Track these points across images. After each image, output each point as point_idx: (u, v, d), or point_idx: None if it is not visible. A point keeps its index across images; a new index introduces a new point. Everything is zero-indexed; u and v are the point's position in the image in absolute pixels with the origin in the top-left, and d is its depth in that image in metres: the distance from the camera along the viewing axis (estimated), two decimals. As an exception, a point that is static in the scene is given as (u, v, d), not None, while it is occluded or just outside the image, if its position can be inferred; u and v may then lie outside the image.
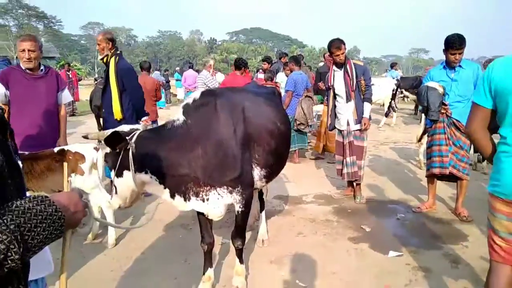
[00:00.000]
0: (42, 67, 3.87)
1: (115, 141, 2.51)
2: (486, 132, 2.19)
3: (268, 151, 2.93)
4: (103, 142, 2.58)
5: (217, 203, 2.74)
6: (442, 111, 4.23)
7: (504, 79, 2.02)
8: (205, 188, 2.69)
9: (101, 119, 9.45)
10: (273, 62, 10.07)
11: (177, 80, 18.00)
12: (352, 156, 4.93)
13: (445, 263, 3.41)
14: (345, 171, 5.00)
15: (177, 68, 23.31)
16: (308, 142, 8.02)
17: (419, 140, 6.59)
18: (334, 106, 5.08)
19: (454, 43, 4.13)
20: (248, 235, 4.02)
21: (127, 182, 2.63)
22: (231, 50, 65.51)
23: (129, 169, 2.57)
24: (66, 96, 4.09)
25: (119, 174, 2.63)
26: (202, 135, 2.64)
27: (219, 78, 7.94)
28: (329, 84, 5.06)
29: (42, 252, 1.12)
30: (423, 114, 5.34)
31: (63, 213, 1.03)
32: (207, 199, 2.72)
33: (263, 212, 3.95)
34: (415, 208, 4.71)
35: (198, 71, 19.47)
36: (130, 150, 2.53)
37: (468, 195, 4.54)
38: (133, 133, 2.61)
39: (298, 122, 6.90)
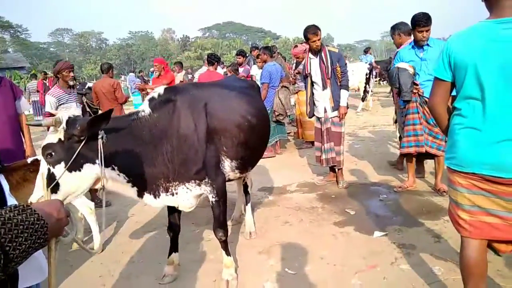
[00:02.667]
0: None
1: (95, 127, 2.24)
2: (446, 106, 2.23)
3: (238, 143, 3.00)
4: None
5: (186, 196, 2.83)
6: (414, 91, 4.32)
7: (461, 52, 2.05)
8: (174, 183, 2.75)
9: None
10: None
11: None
12: (330, 143, 4.99)
13: (428, 239, 3.51)
14: (323, 157, 5.06)
15: (152, 69, 23.00)
16: (288, 133, 8.10)
17: (395, 122, 6.71)
18: (312, 93, 5.11)
19: (421, 21, 4.23)
20: (235, 228, 4.05)
21: (85, 177, 2.32)
22: (205, 46, 64.92)
23: (91, 162, 2.31)
24: (24, 104, 3.99)
25: (75, 168, 2.26)
26: (166, 130, 2.68)
27: (253, 70, 7.93)
28: (306, 72, 5.08)
29: (34, 259, 1.16)
30: (396, 96, 5.45)
31: (46, 221, 1.02)
32: (176, 193, 2.79)
33: (249, 205, 3.97)
34: (397, 188, 4.81)
35: (173, 70, 19.34)
36: (101, 140, 2.28)
37: (446, 170, 4.65)
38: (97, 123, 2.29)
39: (276, 113, 6.93)
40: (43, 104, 9.58)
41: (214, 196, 2.89)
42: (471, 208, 2.12)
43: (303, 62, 7.42)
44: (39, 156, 3.56)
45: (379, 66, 12.16)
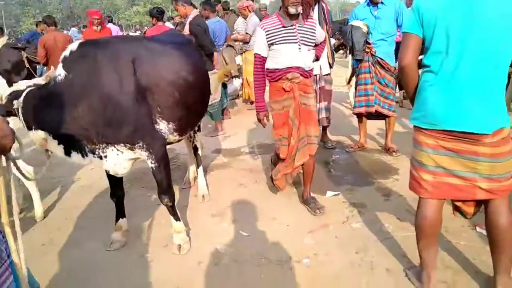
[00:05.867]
0: None
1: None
2: (416, 68, 2.18)
3: (173, 103, 2.79)
4: None
5: (117, 159, 2.67)
6: (367, 50, 4.27)
7: (428, 7, 2.03)
8: (100, 145, 2.61)
9: (13, 85, 8.55)
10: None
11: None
12: (324, 102, 4.72)
13: (378, 197, 3.59)
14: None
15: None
16: (233, 98, 7.89)
17: (348, 82, 6.72)
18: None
19: None
20: (187, 191, 3.94)
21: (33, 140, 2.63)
22: (156, 1, 61.72)
23: (31, 128, 2.54)
24: None
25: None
26: (85, 89, 2.49)
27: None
28: None
29: None
30: (350, 56, 5.38)
31: None
32: (105, 156, 2.65)
33: (201, 168, 3.86)
34: (348, 148, 4.87)
35: (121, 26, 18.18)
36: (19, 111, 2.46)
37: (396, 131, 4.76)
38: (24, 91, 2.49)
39: None
40: None
41: (153, 162, 2.71)
42: (435, 169, 2.14)
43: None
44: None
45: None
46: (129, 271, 2.74)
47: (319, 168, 4.36)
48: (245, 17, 7.44)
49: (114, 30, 12.51)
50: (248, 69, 7.34)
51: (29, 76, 8.32)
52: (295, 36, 3.11)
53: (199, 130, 3.79)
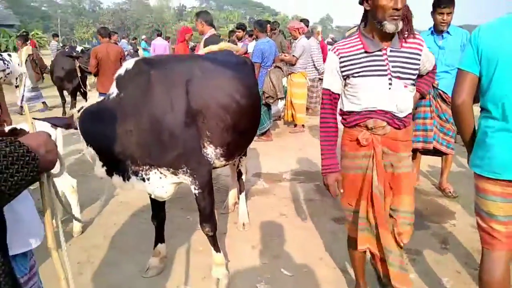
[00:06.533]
0: None
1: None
2: (471, 107, 2.00)
3: (224, 127, 2.63)
4: None
5: (160, 182, 2.53)
6: (429, 82, 4.00)
7: (491, 44, 1.85)
8: (144, 167, 2.49)
9: (64, 92, 8.82)
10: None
11: (144, 49, 17.08)
12: None
13: (434, 244, 3.27)
14: None
15: (144, 37, 22.11)
16: (275, 119, 7.78)
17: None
18: None
19: (443, 1, 3.86)
20: (228, 218, 3.78)
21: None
22: (202, 18, 63.43)
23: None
24: None
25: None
26: (135, 109, 2.39)
27: (250, 47, 7.13)
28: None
29: (30, 224, 1.16)
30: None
31: (36, 155, 0.99)
32: (148, 179, 2.52)
33: (243, 194, 3.69)
34: (399, 184, 4.56)
35: (168, 39, 18.65)
36: (78, 125, 2.46)
37: (451, 169, 4.42)
38: (82, 108, 2.49)
39: (266, 95, 6.39)
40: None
41: (196, 188, 2.56)
42: (505, 219, 1.90)
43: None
44: (19, 125, 3.25)
45: None
46: (164, 302, 2.59)
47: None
48: (294, 39, 7.36)
49: (163, 44, 12.81)
50: (292, 91, 7.23)
51: (80, 85, 8.58)
52: (385, 65, 2.09)
53: (245, 154, 3.64)
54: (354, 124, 2.21)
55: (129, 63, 2.53)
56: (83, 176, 4.59)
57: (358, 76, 2.12)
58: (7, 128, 3.19)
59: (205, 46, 5.12)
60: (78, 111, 2.48)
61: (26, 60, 9.04)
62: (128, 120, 2.38)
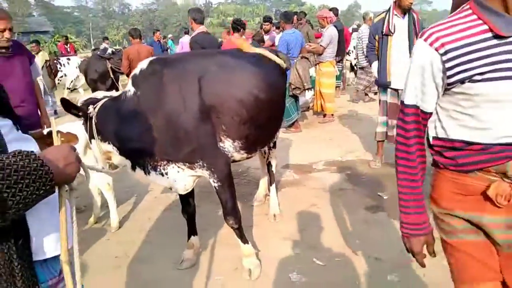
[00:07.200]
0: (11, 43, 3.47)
1: (69, 107, 2.54)
2: None
3: (240, 121, 2.64)
4: None
5: (178, 176, 2.62)
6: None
7: None
8: (162, 162, 2.58)
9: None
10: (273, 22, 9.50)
11: (168, 48, 17.31)
12: None
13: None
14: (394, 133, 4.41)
15: (170, 35, 22.41)
16: (303, 110, 7.70)
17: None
18: (385, 59, 4.34)
19: None
20: (258, 209, 3.80)
21: (94, 150, 2.71)
22: (228, 13, 63.53)
23: (94, 138, 2.60)
24: (37, 69, 3.77)
25: (90, 141, 2.71)
26: (150, 107, 2.47)
27: (277, 39, 7.20)
28: (386, 31, 4.30)
29: (54, 229, 1.14)
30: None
31: (51, 168, 0.99)
32: (166, 173, 2.62)
33: (273, 185, 3.70)
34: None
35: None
36: (93, 119, 2.54)
37: None
38: (100, 102, 2.57)
39: (293, 87, 6.32)
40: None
41: (215, 181, 2.60)
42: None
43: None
44: (57, 127, 3.38)
45: None
46: (199, 293, 2.64)
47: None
48: (322, 27, 7.28)
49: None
50: (321, 80, 7.13)
51: (113, 86, 8.85)
52: None
53: (274, 146, 3.63)
54: (471, 168, 1.31)
55: (143, 63, 2.60)
56: (118, 174, 4.73)
57: (484, 79, 1.21)
58: (45, 131, 3.34)
59: (192, 43, 5.20)
60: (86, 100, 2.63)
61: (42, 67, 9.39)
62: (143, 118, 2.47)
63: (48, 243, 1.16)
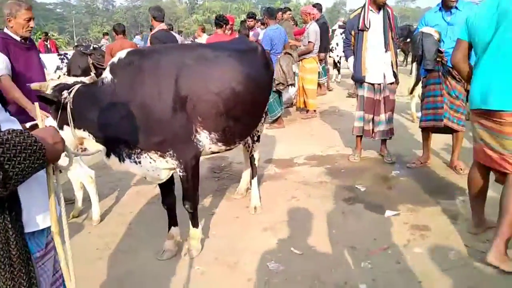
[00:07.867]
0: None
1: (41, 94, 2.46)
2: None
3: (217, 113, 2.73)
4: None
5: (151, 166, 2.67)
6: (438, 59, 3.97)
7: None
8: (136, 150, 2.63)
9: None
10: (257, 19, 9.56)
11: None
12: (388, 113, 4.53)
13: (443, 220, 3.30)
14: (378, 129, 4.57)
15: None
16: (287, 106, 7.80)
17: (411, 92, 6.39)
18: (361, 54, 4.44)
19: None
20: (240, 202, 3.87)
21: (67, 136, 2.46)
22: (214, 10, 63.29)
23: (68, 124, 2.51)
24: (42, 62, 3.84)
25: (60, 128, 2.52)
26: (127, 95, 2.52)
27: (261, 35, 7.24)
28: (361, 27, 4.39)
29: (43, 200, 1.24)
30: (413, 65, 5.09)
31: (43, 144, 1.10)
32: (139, 162, 2.66)
33: (255, 179, 3.77)
34: (410, 163, 4.56)
35: (181, 33, 18.71)
36: (68, 105, 2.46)
37: (462, 146, 4.39)
38: (73, 87, 2.52)
39: (276, 82, 6.36)
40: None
41: (181, 171, 2.71)
42: (480, 141, 2.71)
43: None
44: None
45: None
46: (179, 283, 2.70)
47: (377, 184, 4.13)
48: (305, 22, 7.37)
49: (178, 38, 12.97)
50: (305, 77, 7.22)
51: (94, 82, 8.80)
52: None
53: (258, 140, 3.71)
54: None
55: (122, 53, 2.64)
56: (101, 169, 4.75)
57: None
58: (28, 124, 3.35)
59: (152, 39, 5.28)
60: (56, 86, 2.50)
61: None
62: (119, 106, 2.52)
63: (38, 216, 1.24)
